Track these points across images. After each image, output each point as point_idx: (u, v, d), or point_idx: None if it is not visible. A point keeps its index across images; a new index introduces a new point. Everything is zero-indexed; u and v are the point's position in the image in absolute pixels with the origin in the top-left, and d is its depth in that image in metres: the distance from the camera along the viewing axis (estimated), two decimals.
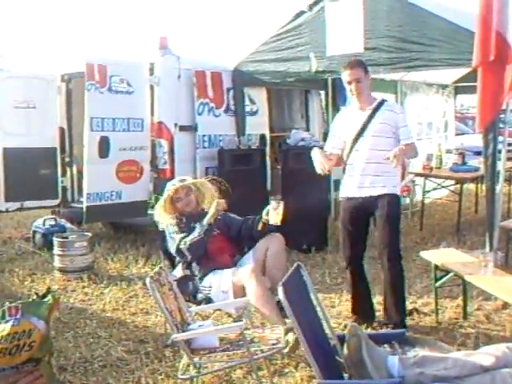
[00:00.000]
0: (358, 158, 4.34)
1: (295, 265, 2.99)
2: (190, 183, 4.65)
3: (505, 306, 4.77)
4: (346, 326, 2.76)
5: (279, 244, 4.41)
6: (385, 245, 4.38)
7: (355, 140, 4.34)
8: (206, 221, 4.34)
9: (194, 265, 4.36)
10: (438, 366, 2.57)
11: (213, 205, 4.38)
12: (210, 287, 4.25)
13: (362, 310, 4.61)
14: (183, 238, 4.32)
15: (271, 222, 4.29)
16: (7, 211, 7.33)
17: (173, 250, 4.40)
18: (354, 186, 4.40)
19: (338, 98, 8.87)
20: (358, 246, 4.57)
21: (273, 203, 4.31)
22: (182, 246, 4.30)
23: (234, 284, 4.16)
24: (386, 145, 4.24)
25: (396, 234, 4.42)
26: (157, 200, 4.73)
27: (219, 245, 4.45)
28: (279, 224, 4.28)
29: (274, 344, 3.37)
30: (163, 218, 4.51)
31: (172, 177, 6.26)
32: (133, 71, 6.71)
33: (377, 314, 4.71)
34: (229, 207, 4.77)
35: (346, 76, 4.34)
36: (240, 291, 4.13)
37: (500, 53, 4.79)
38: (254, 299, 4.03)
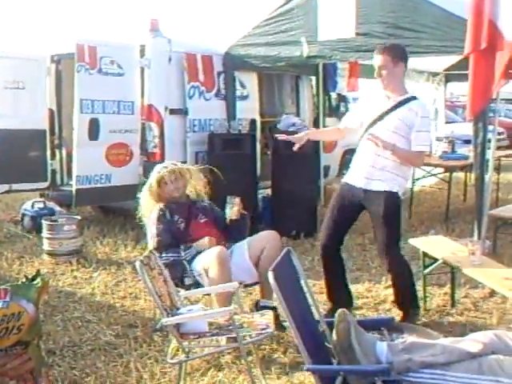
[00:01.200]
0: (366, 146, 4.17)
1: (285, 249, 2.96)
2: (184, 169, 4.55)
3: (492, 293, 4.81)
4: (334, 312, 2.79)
5: (276, 246, 4.26)
6: (380, 242, 4.26)
7: (369, 126, 4.17)
8: (195, 246, 4.24)
9: (182, 248, 4.33)
10: (426, 353, 2.59)
11: (206, 240, 4.24)
12: (197, 272, 4.21)
13: (337, 297, 4.49)
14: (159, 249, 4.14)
15: (228, 217, 4.42)
16: None
17: (149, 244, 4.28)
18: (354, 174, 4.28)
19: (328, 84, 8.89)
20: (337, 236, 4.43)
21: (228, 200, 4.41)
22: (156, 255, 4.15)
23: (204, 270, 4.09)
24: (395, 141, 4.03)
25: (391, 232, 4.20)
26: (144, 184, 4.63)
27: (207, 231, 4.36)
28: (235, 218, 4.40)
29: (262, 329, 3.38)
30: (147, 204, 4.44)
31: (162, 160, 6.22)
32: (123, 53, 6.65)
33: (363, 300, 4.74)
34: (218, 192, 4.77)
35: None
36: None
37: (492, 41, 4.81)
38: (212, 285, 3.96)
